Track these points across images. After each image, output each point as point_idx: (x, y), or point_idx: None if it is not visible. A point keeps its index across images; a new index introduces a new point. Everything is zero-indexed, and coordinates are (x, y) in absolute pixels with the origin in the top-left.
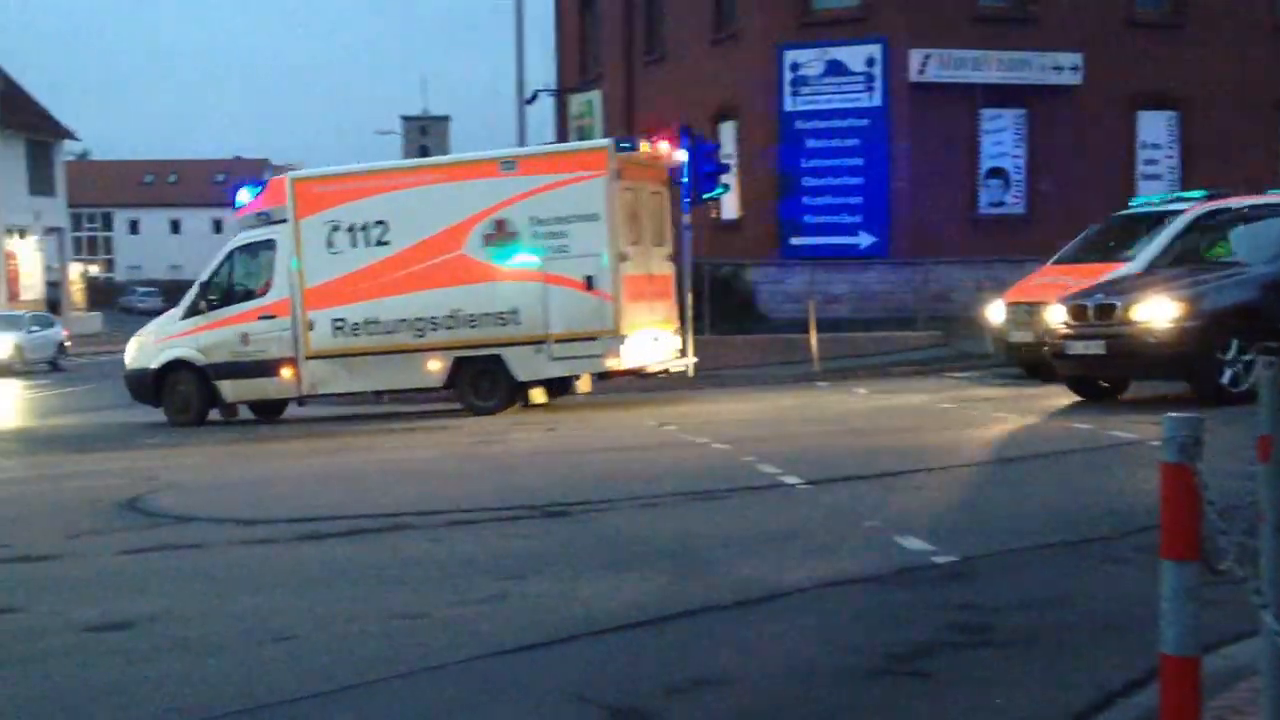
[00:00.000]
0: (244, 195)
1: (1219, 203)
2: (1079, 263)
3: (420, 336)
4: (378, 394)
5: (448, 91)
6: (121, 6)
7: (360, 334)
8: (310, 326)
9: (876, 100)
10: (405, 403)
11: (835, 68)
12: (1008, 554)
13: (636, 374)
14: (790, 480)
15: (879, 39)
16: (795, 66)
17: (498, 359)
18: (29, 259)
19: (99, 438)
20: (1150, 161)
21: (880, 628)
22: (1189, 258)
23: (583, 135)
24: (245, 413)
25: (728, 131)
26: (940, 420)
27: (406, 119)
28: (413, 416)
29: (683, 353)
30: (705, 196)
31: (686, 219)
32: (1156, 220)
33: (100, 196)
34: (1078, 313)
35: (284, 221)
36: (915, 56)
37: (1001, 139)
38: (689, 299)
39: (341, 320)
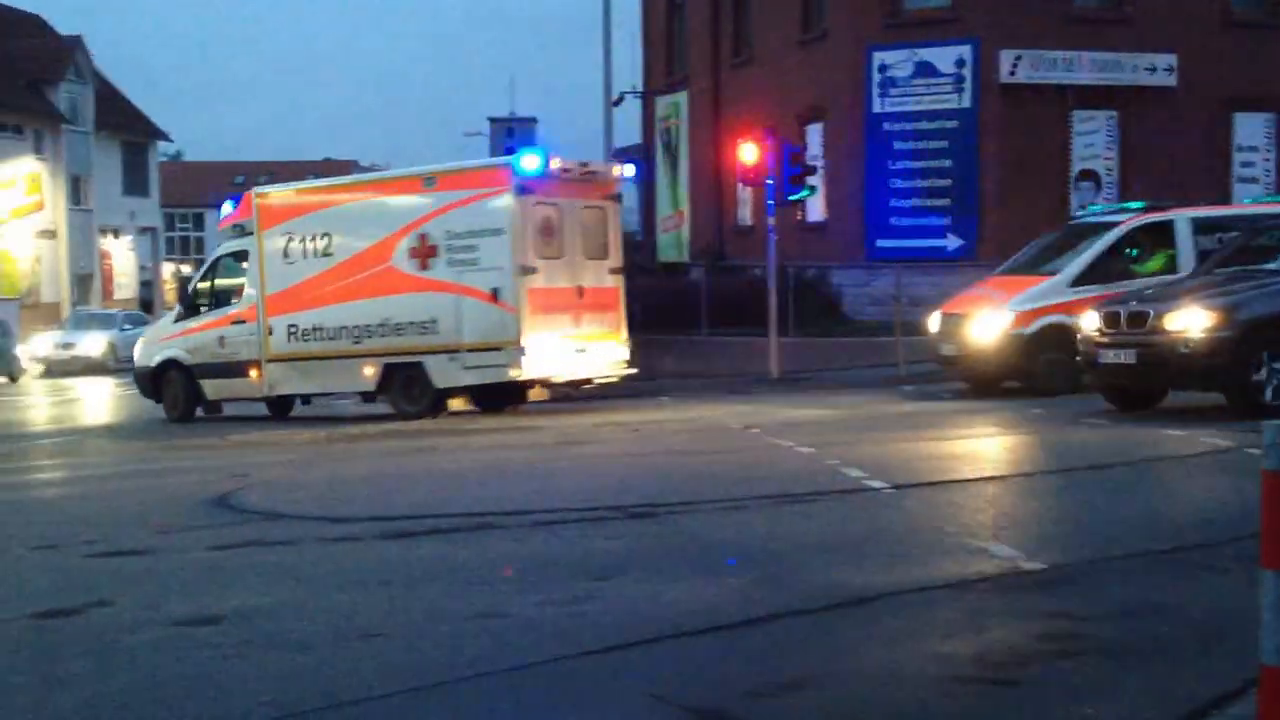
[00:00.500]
0: (226, 208)
1: (1153, 215)
2: (1018, 274)
3: (357, 343)
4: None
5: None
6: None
7: (309, 339)
8: (270, 331)
9: (966, 102)
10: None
11: (924, 69)
12: (1099, 562)
13: (550, 385)
14: (875, 484)
15: (969, 40)
16: (884, 68)
17: (420, 366)
18: (123, 258)
19: (189, 434)
20: (1247, 164)
21: (967, 634)
22: (1119, 271)
23: (669, 137)
24: (233, 410)
25: (814, 133)
26: (1030, 425)
27: (493, 121)
28: (499, 415)
29: (629, 364)
30: (791, 198)
31: (771, 221)
32: (1107, 230)
33: (192, 197)
34: (1111, 320)
35: (253, 234)
36: (1006, 57)
37: (1093, 141)
38: (772, 301)
39: (295, 326)
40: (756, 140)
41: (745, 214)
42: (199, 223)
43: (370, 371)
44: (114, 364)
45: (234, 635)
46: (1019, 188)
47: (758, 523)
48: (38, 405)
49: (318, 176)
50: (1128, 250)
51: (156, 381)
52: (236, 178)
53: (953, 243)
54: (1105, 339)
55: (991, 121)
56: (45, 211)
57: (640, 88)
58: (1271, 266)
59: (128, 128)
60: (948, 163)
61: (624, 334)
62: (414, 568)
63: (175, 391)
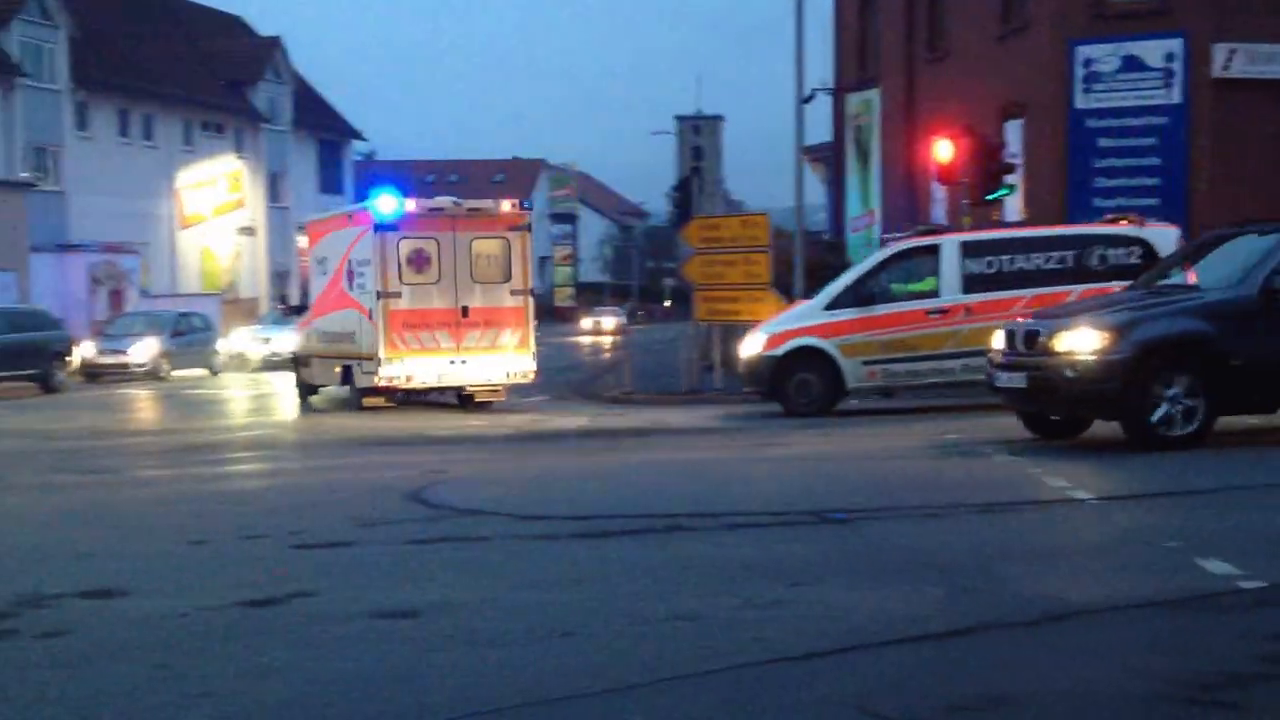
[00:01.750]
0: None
1: (917, 240)
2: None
3: (331, 346)
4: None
5: (723, 91)
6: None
7: (320, 342)
8: (310, 333)
9: (1176, 98)
10: (677, 405)
11: (1131, 63)
12: None
13: (419, 391)
14: (1080, 495)
15: (1179, 33)
16: (1088, 62)
17: (350, 369)
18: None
19: (387, 429)
20: None
21: (1180, 654)
22: (881, 294)
23: (860, 135)
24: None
25: (1013, 130)
26: (1245, 433)
27: (680, 119)
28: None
29: (529, 373)
30: (989, 197)
31: (966, 221)
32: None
33: None
34: (1008, 340)
35: None
36: (1219, 51)
37: None
38: None
39: (315, 330)
40: (953, 137)
41: (939, 213)
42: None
43: (336, 370)
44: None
45: (432, 629)
46: (1233, 188)
47: (957, 531)
48: (237, 398)
49: (505, 175)
50: (893, 273)
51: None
52: (426, 176)
53: None
54: (1000, 360)
55: (1203, 118)
56: (245, 209)
57: (831, 85)
58: (1174, 281)
59: (324, 127)
60: (1155, 161)
61: (529, 346)
62: (607, 567)
63: (301, 380)
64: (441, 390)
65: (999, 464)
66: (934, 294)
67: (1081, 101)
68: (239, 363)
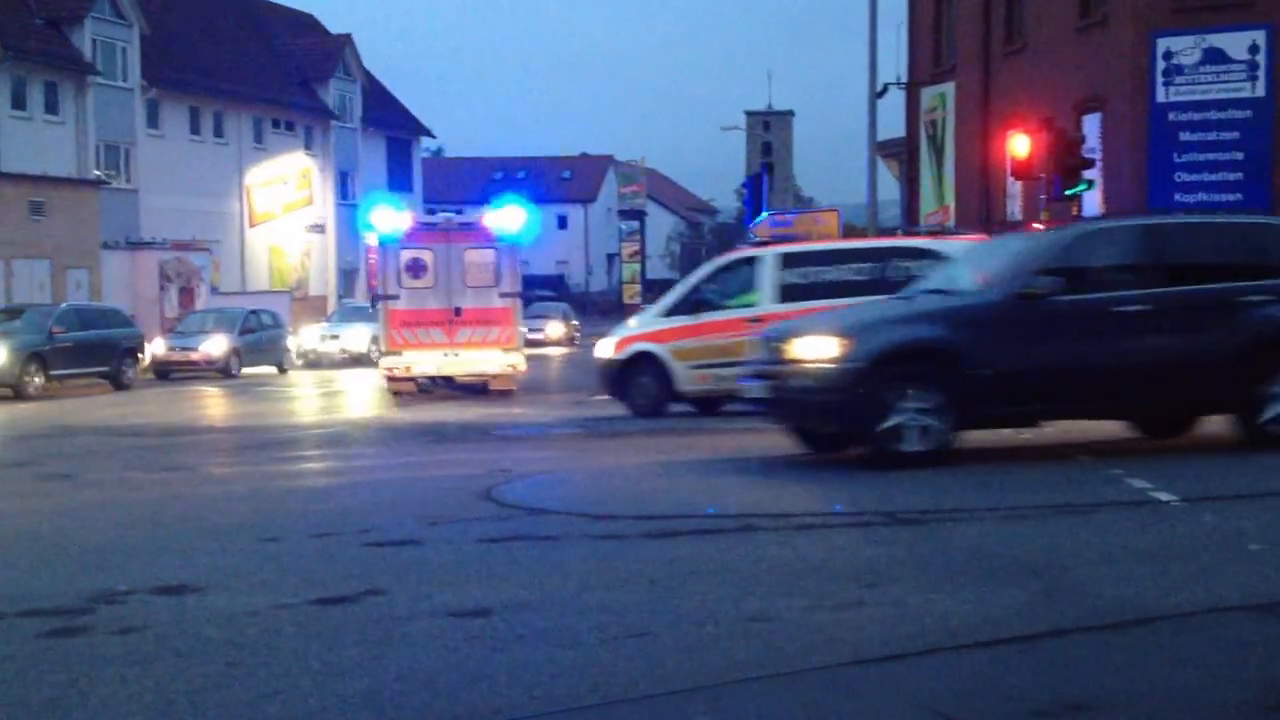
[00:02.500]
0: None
1: (747, 250)
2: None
3: None
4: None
5: (794, 86)
6: (476, 6)
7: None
8: None
9: (1260, 91)
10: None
11: (1214, 56)
12: None
13: (416, 379)
14: (1164, 496)
15: (1265, 24)
16: (1169, 55)
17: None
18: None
19: (451, 420)
20: None
21: (1272, 661)
22: (711, 303)
23: (934, 129)
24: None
25: (1091, 124)
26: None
27: (750, 114)
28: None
29: (515, 366)
30: (1067, 193)
31: (1044, 217)
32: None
33: (453, 193)
34: (759, 348)
35: None
36: None
37: None
38: None
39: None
40: (1030, 132)
41: (1015, 209)
42: None
43: None
44: (376, 355)
45: (503, 629)
46: None
47: (1035, 533)
48: (306, 396)
49: (573, 172)
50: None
51: None
52: (494, 173)
53: None
54: (747, 369)
55: None
56: (314, 206)
57: (904, 79)
58: (933, 286)
59: (393, 124)
60: (1239, 155)
61: (516, 342)
62: (679, 567)
63: None
64: (447, 379)
65: (1081, 464)
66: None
67: (1162, 95)
68: (309, 359)
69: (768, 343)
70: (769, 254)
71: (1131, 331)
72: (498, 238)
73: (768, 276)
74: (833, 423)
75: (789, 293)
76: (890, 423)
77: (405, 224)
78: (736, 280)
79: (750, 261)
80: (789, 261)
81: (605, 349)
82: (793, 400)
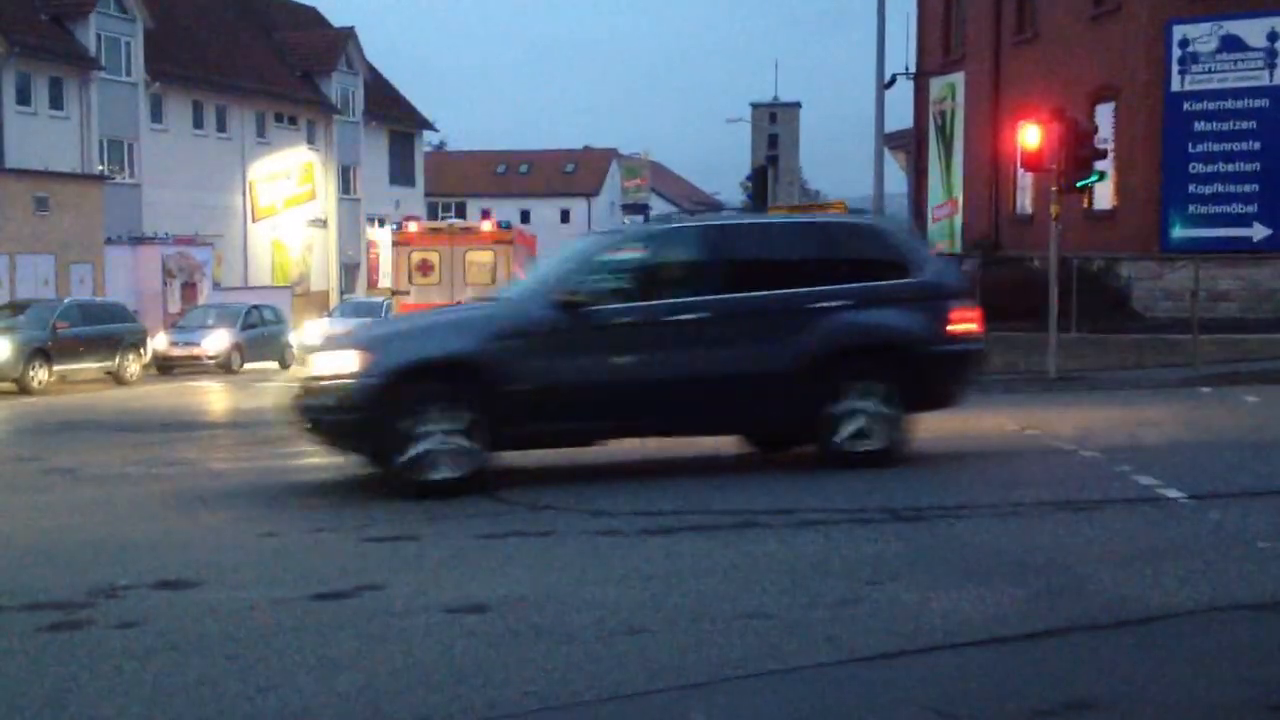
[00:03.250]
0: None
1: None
2: None
3: None
4: None
5: (801, 77)
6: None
7: None
8: None
9: (1279, 79)
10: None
11: (1230, 44)
12: None
13: None
14: (1170, 494)
15: None
16: (1185, 43)
17: None
18: (388, 248)
19: None
20: None
21: (1276, 660)
22: None
23: (943, 120)
24: None
25: (1104, 114)
26: None
27: (755, 106)
28: None
29: None
30: (1079, 184)
31: (1054, 209)
32: None
33: (455, 186)
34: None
35: None
36: None
37: None
38: (1052, 294)
39: None
40: (1041, 122)
41: (1024, 202)
42: (461, 212)
43: None
44: None
45: (500, 624)
46: None
47: (1038, 531)
48: None
49: (576, 166)
50: None
51: None
52: (497, 167)
53: (1260, 232)
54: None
55: None
56: (316, 201)
57: (913, 69)
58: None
59: (395, 117)
60: (1256, 145)
61: None
62: (677, 564)
63: None
64: None
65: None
66: None
67: (1177, 84)
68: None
69: (308, 355)
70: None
71: (684, 343)
72: (496, 241)
73: None
74: (355, 446)
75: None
76: (419, 447)
77: (415, 229)
78: None
79: None
80: None
81: (343, 361)
82: (318, 421)
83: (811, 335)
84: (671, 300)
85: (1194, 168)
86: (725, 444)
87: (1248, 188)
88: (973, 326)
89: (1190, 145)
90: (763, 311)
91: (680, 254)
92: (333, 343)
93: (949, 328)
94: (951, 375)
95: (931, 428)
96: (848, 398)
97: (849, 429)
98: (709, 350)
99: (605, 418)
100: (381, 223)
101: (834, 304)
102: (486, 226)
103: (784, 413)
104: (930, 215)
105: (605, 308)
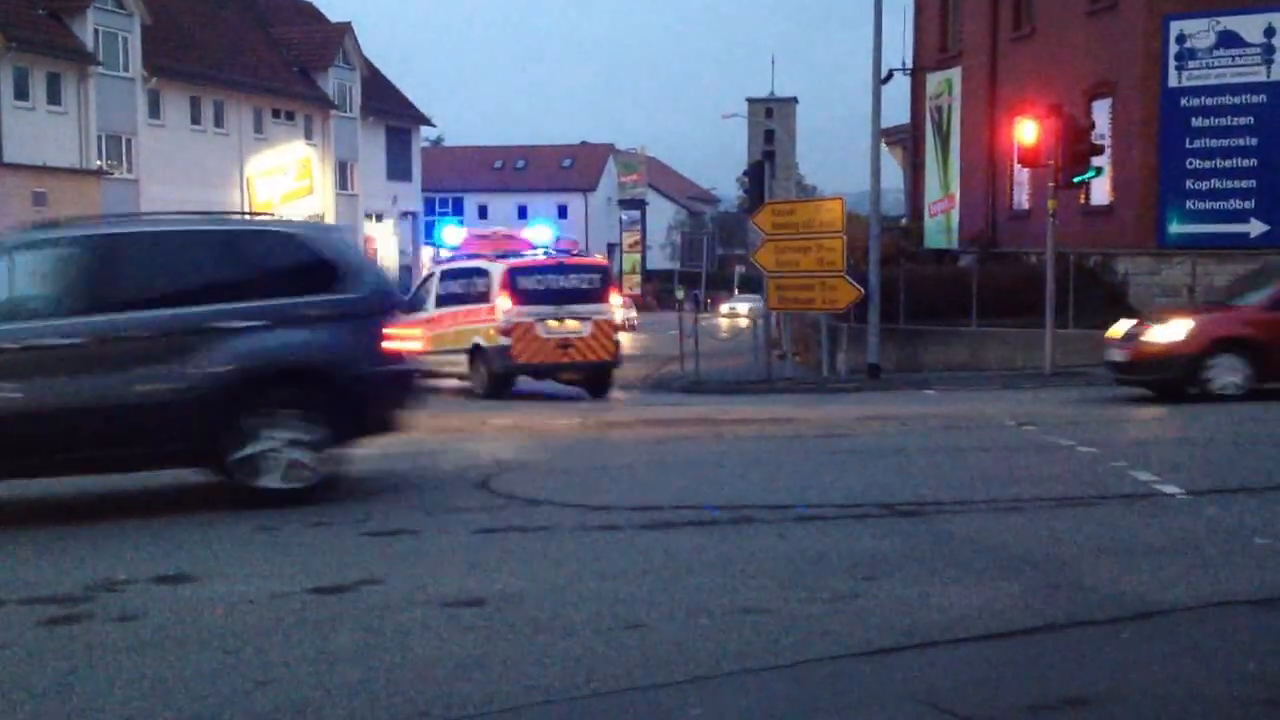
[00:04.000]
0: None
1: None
2: None
3: None
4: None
5: (798, 72)
6: None
7: None
8: None
9: (1276, 74)
10: (759, 395)
11: (1228, 39)
12: None
13: None
14: (1168, 489)
15: (1279, 7)
16: (1182, 38)
17: None
18: (385, 242)
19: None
20: None
21: (1274, 655)
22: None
23: (940, 115)
24: None
25: (1101, 110)
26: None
27: (751, 101)
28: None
29: None
30: (1075, 180)
31: (1051, 205)
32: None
33: (452, 182)
34: None
35: None
36: None
37: None
38: (1049, 290)
39: None
40: (1037, 118)
41: (1021, 197)
42: (458, 207)
43: None
44: None
45: (498, 619)
46: None
47: (1036, 526)
48: None
49: (573, 161)
50: None
51: None
52: (494, 163)
53: (1257, 228)
54: None
55: None
56: (314, 196)
57: (910, 64)
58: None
59: (392, 113)
60: (1253, 141)
61: None
62: (674, 559)
63: None
64: None
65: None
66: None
67: (1174, 79)
68: None
69: None
70: (438, 270)
71: (53, 371)
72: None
73: (433, 286)
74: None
75: (441, 300)
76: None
77: (460, 237)
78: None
79: (429, 277)
80: (446, 275)
81: None
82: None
83: (211, 360)
84: (36, 324)
85: (1191, 163)
86: (725, 443)
87: (1245, 183)
88: (410, 345)
89: (1187, 141)
90: (150, 335)
91: (59, 269)
92: None
93: (381, 346)
94: (387, 399)
95: (925, 422)
96: (258, 429)
97: (262, 464)
98: (83, 380)
99: None
100: (379, 218)
101: (240, 324)
102: (508, 231)
103: (183, 447)
104: (927, 211)
105: None
